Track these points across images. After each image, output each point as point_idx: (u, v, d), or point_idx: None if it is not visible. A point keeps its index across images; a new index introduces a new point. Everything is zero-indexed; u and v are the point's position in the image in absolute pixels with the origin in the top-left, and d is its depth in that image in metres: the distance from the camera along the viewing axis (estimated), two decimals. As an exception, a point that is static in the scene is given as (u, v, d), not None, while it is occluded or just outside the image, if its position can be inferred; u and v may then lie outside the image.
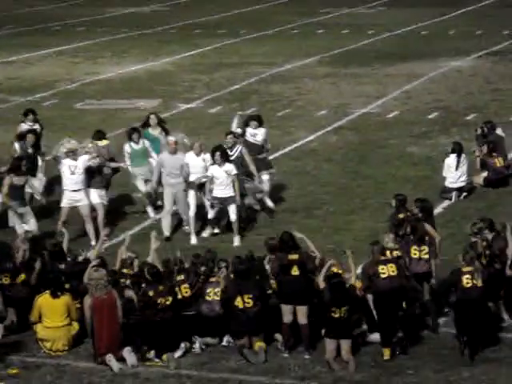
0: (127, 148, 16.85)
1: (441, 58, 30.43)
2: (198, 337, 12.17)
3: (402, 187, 17.74)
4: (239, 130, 16.76)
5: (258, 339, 11.97)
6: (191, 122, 23.17)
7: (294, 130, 22.37)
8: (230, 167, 15.41)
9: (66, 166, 15.54)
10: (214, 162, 15.41)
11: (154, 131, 17.09)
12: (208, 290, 12.30)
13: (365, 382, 11.36)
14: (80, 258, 13.03)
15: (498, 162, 18.25)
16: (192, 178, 15.61)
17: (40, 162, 16.74)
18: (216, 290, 12.28)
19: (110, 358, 11.71)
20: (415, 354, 11.94)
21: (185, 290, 12.32)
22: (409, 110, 24.20)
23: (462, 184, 17.60)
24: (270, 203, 16.56)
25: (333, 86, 27.16)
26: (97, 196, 15.75)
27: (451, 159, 17.67)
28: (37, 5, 45.81)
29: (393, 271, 11.92)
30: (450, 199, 17.41)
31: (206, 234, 15.77)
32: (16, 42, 35.03)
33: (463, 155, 17.75)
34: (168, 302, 12.02)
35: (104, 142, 16.62)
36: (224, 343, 12.23)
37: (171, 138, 15.99)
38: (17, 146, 16.85)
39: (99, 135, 16.78)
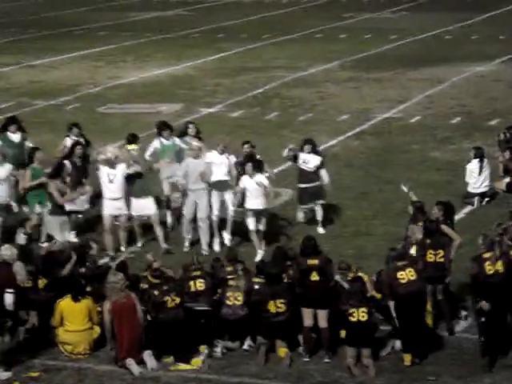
0: (156, 143, 16.41)
1: (464, 63, 30.31)
2: (220, 340, 12.18)
3: (424, 192, 17.63)
4: (290, 153, 16.12)
5: (282, 346, 11.96)
6: (213, 126, 23.18)
7: (315, 135, 22.20)
8: (262, 178, 15.04)
9: (104, 174, 15.11)
10: (245, 173, 15.05)
11: (192, 141, 16.18)
12: (228, 294, 12.31)
13: (385, 388, 11.34)
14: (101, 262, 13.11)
15: (521, 167, 18.14)
16: (215, 177, 15.41)
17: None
18: (236, 294, 12.28)
19: (131, 362, 11.73)
20: (436, 359, 11.89)
21: (199, 284, 12.35)
22: (431, 115, 24.12)
23: (485, 189, 17.51)
24: (321, 230, 15.85)
25: (355, 91, 27.11)
26: (142, 206, 15.29)
27: (474, 164, 17.59)
28: (60, 9, 46.06)
29: (412, 275, 11.86)
30: (473, 204, 17.32)
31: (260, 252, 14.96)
32: (39, 45, 35.22)
33: (485, 160, 17.66)
34: (176, 302, 12.02)
35: (131, 147, 16.37)
36: (245, 347, 12.23)
37: (195, 143, 15.83)
38: (68, 141, 16.78)
39: (129, 139, 16.55)
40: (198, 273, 12.47)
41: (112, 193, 15.07)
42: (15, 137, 16.84)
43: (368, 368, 11.61)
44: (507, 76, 28.42)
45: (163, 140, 16.37)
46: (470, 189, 17.53)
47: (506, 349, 11.88)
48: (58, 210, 14.88)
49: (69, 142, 17.05)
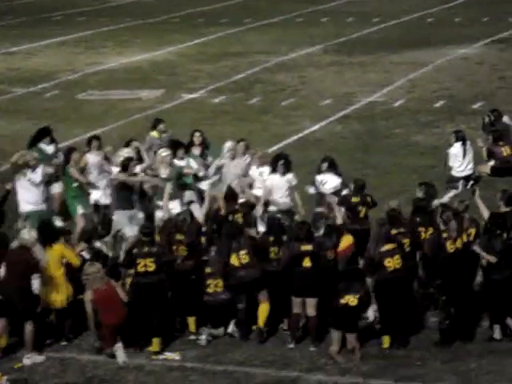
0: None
1: (447, 46, 30.22)
2: (205, 328, 12.09)
3: (407, 177, 17.60)
4: (312, 191, 14.55)
5: (264, 299, 11.87)
6: (195, 112, 23.01)
7: (298, 120, 22.20)
8: (291, 177, 14.45)
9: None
10: (275, 170, 14.37)
11: (196, 150, 15.29)
12: (208, 282, 12.21)
13: (371, 373, 11.24)
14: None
15: (505, 150, 18.05)
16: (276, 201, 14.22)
17: None
18: (216, 281, 12.18)
19: (118, 347, 11.60)
20: (421, 344, 11.82)
21: (182, 252, 12.33)
22: (414, 99, 24.03)
23: (470, 172, 17.42)
24: None
25: (337, 75, 26.98)
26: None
27: (457, 148, 17.48)
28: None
29: (398, 264, 11.78)
30: (457, 188, 17.23)
31: None
32: (17, 32, 34.88)
33: (468, 143, 17.57)
34: (151, 269, 11.83)
35: (155, 134, 15.53)
36: (229, 331, 12.15)
37: (229, 143, 14.88)
38: (90, 157, 15.18)
39: (153, 123, 15.75)
40: (182, 237, 12.41)
41: None
42: (49, 148, 15.62)
43: (353, 352, 11.53)
44: (490, 59, 28.35)
45: (177, 161, 14.80)
46: (454, 173, 17.43)
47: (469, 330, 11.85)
48: (126, 204, 14.20)
49: (91, 158, 15.21)
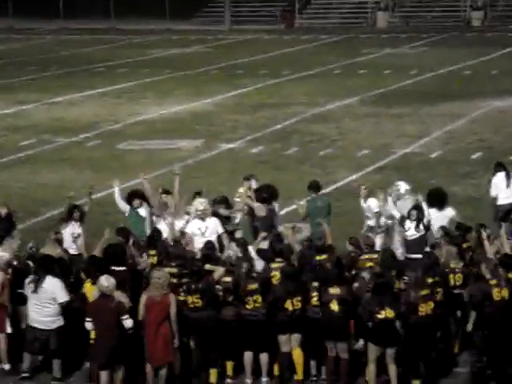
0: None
1: (483, 98, 30.28)
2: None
3: (445, 227, 17.53)
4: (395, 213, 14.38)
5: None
6: (233, 162, 23.24)
7: (335, 170, 22.32)
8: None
9: (194, 227, 13.77)
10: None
11: None
12: (247, 299, 12.20)
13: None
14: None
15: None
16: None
17: None
18: (256, 297, 12.14)
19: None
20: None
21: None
22: (452, 150, 24.08)
23: None
24: None
25: (375, 126, 27.13)
26: None
27: (499, 178, 17.04)
28: (80, 46, 46.52)
29: (431, 309, 11.76)
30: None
31: None
32: (60, 83, 35.51)
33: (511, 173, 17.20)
34: (198, 305, 11.90)
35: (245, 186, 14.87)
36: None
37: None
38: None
39: (245, 177, 15.05)
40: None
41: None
42: (141, 211, 14.63)
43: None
44: (527, 111, 28.37)
45: (310, 198, 14.55)
46: (501, 201, 16.77)
47: None
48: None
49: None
